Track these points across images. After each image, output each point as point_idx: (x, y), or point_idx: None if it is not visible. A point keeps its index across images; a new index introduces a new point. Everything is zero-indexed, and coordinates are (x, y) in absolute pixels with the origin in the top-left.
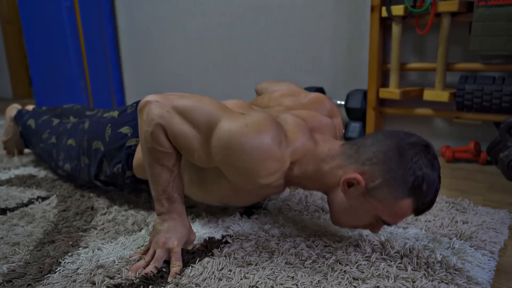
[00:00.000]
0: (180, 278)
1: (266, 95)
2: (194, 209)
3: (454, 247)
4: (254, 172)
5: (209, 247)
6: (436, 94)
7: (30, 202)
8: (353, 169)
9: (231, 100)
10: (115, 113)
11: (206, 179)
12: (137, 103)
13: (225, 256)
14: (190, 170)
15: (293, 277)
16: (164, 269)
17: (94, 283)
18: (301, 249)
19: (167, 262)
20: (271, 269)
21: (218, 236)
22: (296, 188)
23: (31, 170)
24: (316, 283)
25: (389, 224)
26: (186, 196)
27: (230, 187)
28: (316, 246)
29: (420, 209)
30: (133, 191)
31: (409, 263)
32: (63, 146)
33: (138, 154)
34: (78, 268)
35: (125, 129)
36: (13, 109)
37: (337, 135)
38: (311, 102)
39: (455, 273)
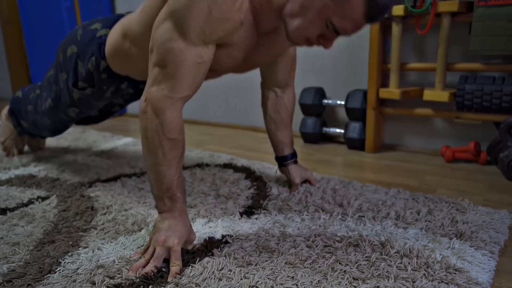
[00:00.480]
0: (180, 278)
1: None
2: (194, 209)
3: (454, 247)
4: (219, 4)
5: (209, 247)
6: (436, 94)
7: (30, 202)
8: None
9: None
10: (85, 22)
11: None
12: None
13: (225, 256)
14: None
15: (293, 277)
16: (164, 269)
17: (94, 283)
18: (301, 249)
19: (167, 262)
20: (271, 269)
21: (218, 236)
22: (297, 188)
23: (31, 170)
24: (316, 283)
25: (338, 33)
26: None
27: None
28: (316, 246)
29: (372, 11)
30: (114, 91)
31: (409, 263)
32: (44, 85)
33: (110, 41)
34: (78, 268)
35: (95, 25)
36: (7, 108)
37: None
38: None
39: (455, 273)
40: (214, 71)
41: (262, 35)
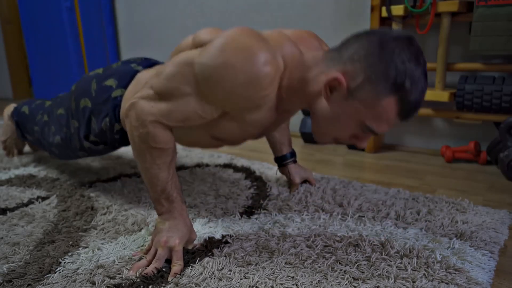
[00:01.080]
0: (180, 278)
1: None
2: (194, 209)
3: (454, 247)
4: (255, 82)
5: (209, 247)
6: (436, 94)
7: (30, 202)
8: (335, 70)
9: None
10: (99, 70)
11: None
12: (123, 61)
13: (225, 256)
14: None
15: (293, 277)
16: (164, 269)
17: (94, 283)
18: (301, 249)
19: (168, 262)
20: (271, 269)
21: (218, 236)
22: (297, 188)
23: (31, 170)
24: (316, 283)
25: (374, 133)
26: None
27: (229, 124)
28: (316, 246)
29: (405, 110)
30: (123, 144)
31: (409, 263)
32: (53, 118)
33: (124, 103)
34: (78, 268)
35: (110, 81)
36: (10, 108)
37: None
38: (295, 33)
39: (455, 273)
40: (224, 141)
41: (280, 113)
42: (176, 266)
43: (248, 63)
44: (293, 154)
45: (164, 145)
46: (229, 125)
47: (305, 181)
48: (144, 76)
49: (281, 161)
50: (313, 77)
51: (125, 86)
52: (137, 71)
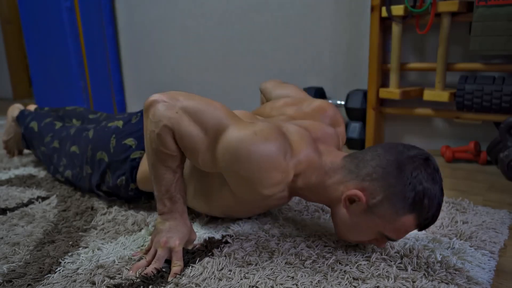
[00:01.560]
0: (180, 278)
1: (268, 103)
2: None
3: (454, 247)
4: (258, 182)
5: (209, 247)
6: (436, 94)
7: (30, 202)
8: (354, 185)
9: (236, 110)
10: (119, 123)
11: (210, 190)
12: (141, 112)
13: (225, 256)
14: (195, 180)
15: (293, 277)
16: (164, 269)
17: (94, 283)
18: (301, 249)
19: (168, 262)
20: (271, 269)
21: (218, 236)
22: None
23: (31, 170)
24: (316, 283)
25: (393, 240)
26: (189, 208)
27: (233, 198)
28: (316, 246)
29: (423, 224)
30: (136, 200)
31: (409, 263)
32: (65, 152)
33: (142, 167)
34: (78, 268)
35: (130, 141)
36: (15, 109)
37: (340, 144)
38: (314, 112)
39: (455, 273)
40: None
41: (292, 195)
42: (176, 267)
43: (261, 160)
44: None
45: (171, 152)
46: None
47: None
48: None
49: None
50: (331, 184)
51: (144, 149)
52: None
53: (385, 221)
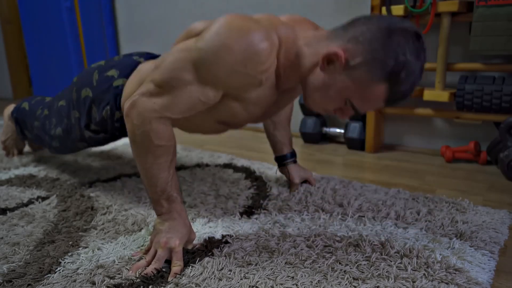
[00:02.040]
0: (180, 278)
1: None
2: (194, 209)
3: (454, 247)
4: (253, 58)
5: (209, 247)
6: (436, 94)
7: (30, 202)
8: (337, 46)
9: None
10: (102, 62)
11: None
12: (125, 54)
13: (225, 256)
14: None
15: (293, 277)
16: (164, 269)
17: (94, 283)
18: (301, 249)
19: (168, 262)
20: (271, 269)
21: (218, 236)
22: (296, 188)
23: (31, 170)
24: (316, 283)
25: (357, 111)
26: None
27: (233, 104)
28: (316, 246)
29: (391, 98)
30: (123, 134)
31: (409, 263)
32: (54, 111)
33: (126, 92)
34: (78, 268)
35: (112, 72)
36: (10, 108)
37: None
38: (289, 18)
39: (455, 273)
40: (229, 124)
41: (282, 91)
42: (176, 267)
43: (244, 41)
44: (293, 154)
45: (166, 142)
46: (232, 106)
47: (305, 181)
48: (146, 67)
49: (281, 161)
50: (313, 51)
51: (127, 76)
52: (138, 63)
53: (356, 86)
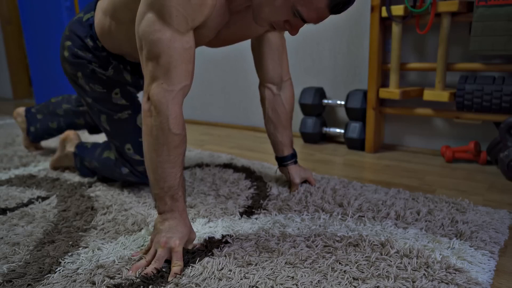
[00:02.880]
0: (180, 278)
1: None
2: (194, 209)
3: (454, 247)
4: None
5: (209, 247)
6: (436, 94)
7: (30, 202)
8: None
9: None
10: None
11: None
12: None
13: (225, 256)
14: None
15: (293, 277)
16: (164, 269)
17: (94, 283)
18: (301, 249)
19: (168, 262)
20: (271, 269)
21: (218, 236)
22: (296, 188)
23: (31, 170)
24: (316, 283)
25: (304, 21)
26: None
27: None
28: (316, 246)
29: (335, 2)
30: (116, 73)
31: (409, 263)
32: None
33: (96, 21)
34: (78, 268)
35: (78, 15)
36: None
37: None
38: None
39: (455, 273)
40: None
41: (234, 13)
42: (176, 267)
43: None
44: (294, 155)
45: (181, 131)
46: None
47: (305, 181)
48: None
49: (282, 162)
50: None
51: (92, 10)
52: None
53: None
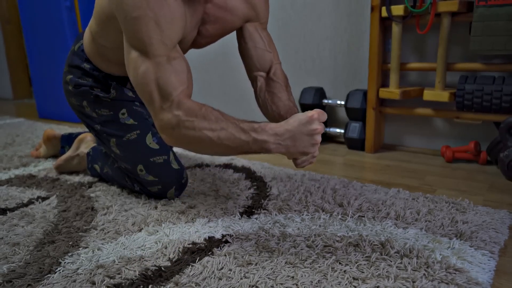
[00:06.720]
0: (180, 277)
1: None
2: (194, 209)
3: (454, 247)
4: None
5: (209, 246)
6: (436, 94)
7: (30, 202)
8: None
9: None
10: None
11: None
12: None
13: (225, 255)
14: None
15: (293, 277)
16: (164, 269)
17: (94, 283)
18: (301, 249)
19: (168, 261)
20: (271, 268)
21: (218, 235)
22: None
23: (31, 170)
24: (316, 283)
25: None
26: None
27: None
28: (316, 246)
29: None
30: (116, 80)
31: (409, 263)
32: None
33: (85, 46)
34: (78, 268)
35: (72, 48)
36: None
37: None
38: None
39: (455, 273)
40: None
41: (206, 6)
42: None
43: None
44: None
45: (196, 107)
46: None
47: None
48: (88, 26)
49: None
50: None
51: (81, 39)
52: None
53: None
